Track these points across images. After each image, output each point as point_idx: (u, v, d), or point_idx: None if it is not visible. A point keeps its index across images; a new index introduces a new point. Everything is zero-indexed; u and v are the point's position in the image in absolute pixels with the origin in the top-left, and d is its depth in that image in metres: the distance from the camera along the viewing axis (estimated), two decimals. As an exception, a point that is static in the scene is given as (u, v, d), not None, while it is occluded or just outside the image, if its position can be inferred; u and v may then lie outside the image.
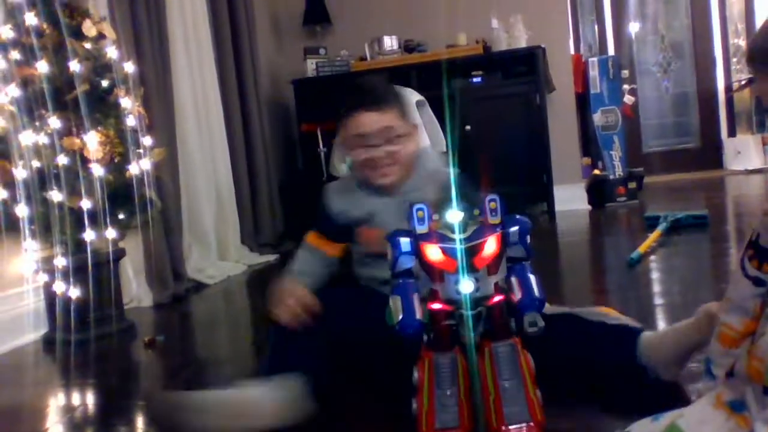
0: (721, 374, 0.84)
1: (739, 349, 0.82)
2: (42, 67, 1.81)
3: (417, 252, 0.96)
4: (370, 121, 1.25)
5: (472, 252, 0.92)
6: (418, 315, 0.92)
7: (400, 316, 0.91)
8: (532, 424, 0.89)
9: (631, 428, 0.80)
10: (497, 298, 0.95)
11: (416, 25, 4.00)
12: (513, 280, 0.95)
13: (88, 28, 1.90)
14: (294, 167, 4.12)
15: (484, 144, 3.51)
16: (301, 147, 3.97)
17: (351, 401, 1.26)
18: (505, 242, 0.96)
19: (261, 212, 3.52)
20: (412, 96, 3.35)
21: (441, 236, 0.94)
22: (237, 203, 3.32)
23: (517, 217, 0.97)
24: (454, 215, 0.94)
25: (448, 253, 0.92)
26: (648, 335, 1.16)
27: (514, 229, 0.96)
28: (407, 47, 3.95)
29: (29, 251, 1.90)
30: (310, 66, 3.98)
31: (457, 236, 0.93)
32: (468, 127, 3.65)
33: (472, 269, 0.92)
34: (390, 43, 3.91)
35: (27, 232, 1.82)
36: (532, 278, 0.95)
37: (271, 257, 3.30)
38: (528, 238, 0.97)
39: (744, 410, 0.74)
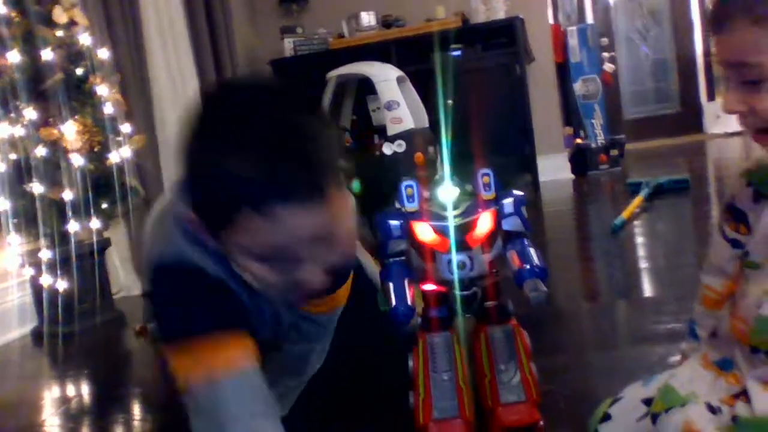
0: (705, 335, 0.85)
1: (722, 310, 0.83)
2: (13, 56, 1.77)
3: (407, 232, 0.91)
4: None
5: (465, 229, 0.88)
6: (410, 301, 0.89)
7: (393, 303, 0.88)
8: (527, 402, 0.90)
9: (623, 393, 0.81)
10: (492, 278, 0.93)
11: (394, 0, 3.96)
12: (511, 253, 0.92)
13: (59, 15, 1.86)
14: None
15: (467, 117, 3.51)
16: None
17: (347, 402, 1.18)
18: (499, 218, 0.92)
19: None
20: (393, 72, 3.33)
21: (432, 214, 0.89)
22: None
23: (512, 191, 0.93)
24: (446, 191, 0.89)
25: (440, 231, 0.88)
26: None
27: (509, 200, 0.92)
28: (385, 23, 3.91)
29: (13, 245, 1.88)
30: (288, 46, 3.93)
31: (450, 213, 0.88)
32: (450, 101, 3.64)
33: (465, 247, 0.88)
34: (368, 18, 3.87)
35: (9, 226, 1.80)
36: (531, 250, 0.92)
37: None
38: (524, 210, 0.94)
39: (732, 368, 0.75)
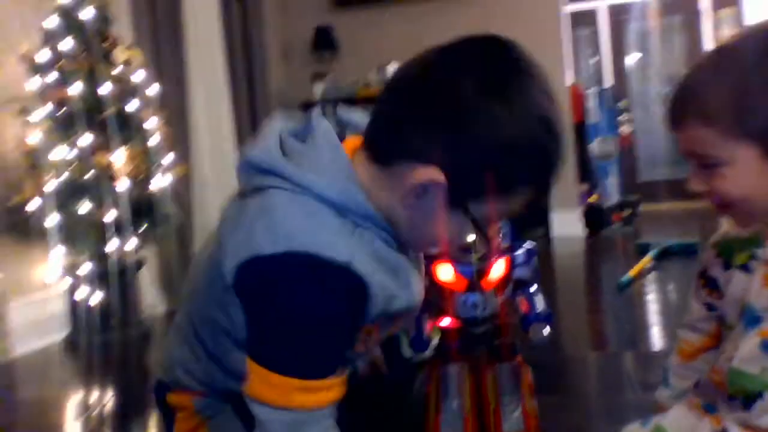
0: (679, 383, 0.96)
1: (696, 361, 0.94)
2: (75, 88, 1.95)
3: (428, 271, 0.98)
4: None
5: (481, 273, 0.98)
6: (426, 334, 1.01)
7: (412, 334, 1.00)
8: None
9: None
10: (501, 319, 1.02)
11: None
12: (519, 299, 1.03)
13: (118, 55, 2.05)
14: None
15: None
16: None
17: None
18: (512, 265, 1.01)
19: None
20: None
21: (452, 257, 0.97)
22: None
23: (525, 242, 1.04)
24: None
25: (460, 272, 0.97)
26: None
27: (521, 251, 1.02)
28: (412, 75, 4.10)
29: (55, 258, 2.03)
30: (318, 90, 4.14)
31: (467, 258, 0.97)
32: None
33: (480, 289, 0.98)
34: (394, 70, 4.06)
35: (54, 240, 1.94)
36: (538, 298, 1.02)
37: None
38: (535, 261, 1.03)
39: (715, 411, 0.85)
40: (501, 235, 1.00)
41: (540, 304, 1.02)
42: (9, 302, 2.14)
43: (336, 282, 0.66)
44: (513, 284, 1.03)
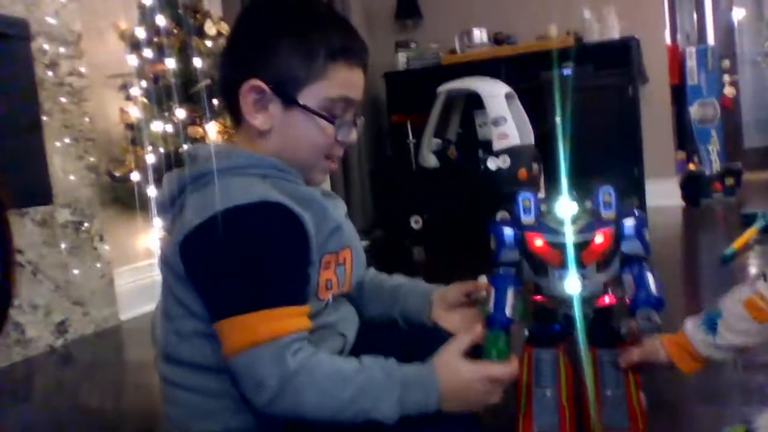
0: (730, 338, 0.86)
1: (764, 324, 0.84)
2: (170, 63, 2.02)
3: (521, 243, 0.89)
4: (362, 85, 0.87)
5: (581, 247, 0.85)
6: (509, 312, 0.89)
7: (491, 310, 0.89)
8: (630, 431, 0.88)
9: (758, 425, 0.84)
10: (605, 299, 0.90)
11: (506, 17, 4.03)
12: (627, 277, 0.90)
13: (209, 28, 2.10)
14: (383, 156, 4.26)
15: (575, 136, 3.52)
16: (391, 137, 4.11)
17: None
18: (618, 238, 0.88)
19: (353, 199, 3.69)
20: (502, 88, 3.41)
21: (548, 228, 0.87)
22: (331, 188, 3.50)
23: (634, 211, 0.91)
24: (565, 207, 0.87)
25: (555, 246, 0.86)
26: None
27: (630, 221, 0.89)
28: (497, 39, 3.99)
29: (157, 228, 2.14)
30: (401, 59, 4.10)
31: (567, 228, 0.85)
32: (558, 120, 3.66)
33: (580, 265, 0.85)
34: (479, 35, 3.96)
35: (155, 210, 2.04)
36: (650, 276, 0.89)
37: (363, 243, 3.46)
38: (646, 233, 0.90)
39: None
40: (605, 204, 0.87)
41: (651, 284, 0.88)
42: (116, 269, 2.29)
43: (272, 215, 0.75)
44: (620, 260, 0.90)
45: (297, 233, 0.77)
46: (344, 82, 0.84)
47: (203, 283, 0.77)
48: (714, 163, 4.18)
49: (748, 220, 2.85)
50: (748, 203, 3.64)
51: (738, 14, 5.43)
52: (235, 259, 0.74)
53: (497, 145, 3.26)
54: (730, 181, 4.07)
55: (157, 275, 0.86)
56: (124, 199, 2.28)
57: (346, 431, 0.74)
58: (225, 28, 2.20)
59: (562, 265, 0.85)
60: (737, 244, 2.41)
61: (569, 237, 0.85)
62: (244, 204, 0.74)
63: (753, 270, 2.25)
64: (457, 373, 0.77)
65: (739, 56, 5.43)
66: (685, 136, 4.32)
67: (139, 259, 2.40)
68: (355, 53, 0.85)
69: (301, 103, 0.82)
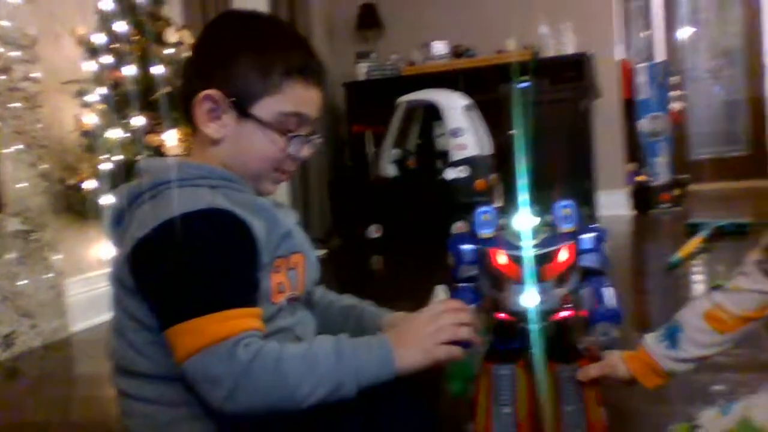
0: (692, 351, 0.88)
1: (725, 335, 0.87)
2: (129, 70, 2.00)
3: (480, 258, 0.89)
4: (317, 104, 0.89)
5: (541, 261, 0.84)
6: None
7: None
8: None
9: (702, 421, 0.85)
10: (564, 314, 0.89)
11: (466, 31, 4.11)
12: (586, 292, 0.90)
13: (170, 35, 2.09)
14: (343, 166, 4.28)
15: (530, 148, 3.61)
16: (351, 147, 4.13)
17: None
18: (578, 252, 0.87)
19: (312, 208, 3.69)
20: (460, 100, 3.47)
21: (507, 242, 0.86)
22: (288, 199, 3.50)
23: (594, 225, 0.90)
24: (524, 221, 0.87)
25: (515, 260, 0.85)
26: None
27: (589, 235, 0.88)
28: (456, 52, 4.07)
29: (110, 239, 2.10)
30: (362, 70, 4.13)
31: (526, 243, 0.85)
32: (513, 132, 3.75)
33: (538, 280, 0.84)
34: (439, 47, 4.03)
35: (107, 227, 2.01)
36: (608, 291, 0.89)
37: (320, 252, 3.47)
38: (605, 247, 0.89)
39: None
40: (564, 217, 0.87)
41: (610, 298, 0.88)
42: (67, 280, 2.24)
43: (217, 221, 0.77)
44: (579, 274, 0.90)
45: (243, 238, 0.78)
46: (299, 99, 0.86)
47: (152, 292, 0.78)
48: (662, 175, 4.34)
49: (693, 229, 2.97)
50: (694, 213, 3.79)
51: (685, 32, 5.67)
52: (181, 265, 0.75)
53: (455, 156, 3.32)
54: (677, 191, 4.24)
55: (107, 286, 0.85)
56: (77, 207, 2.23)
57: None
58: (186, 35, 2.19)
59: (522, 280, 0.85)
60: (683, 252, 2.51)
61: (529, 251, 0.84)
62: (191, 211, 0.76)
63: (699, 277, 2.36)
64: (402, 321, 0.84)
65: (686, 72, 5.66)
66: (635, 149, 4.47)
67: (92, 268, 2.35)
68: (312, 72, 0.87)
69: (254, 115, 0.84)
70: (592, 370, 0.91)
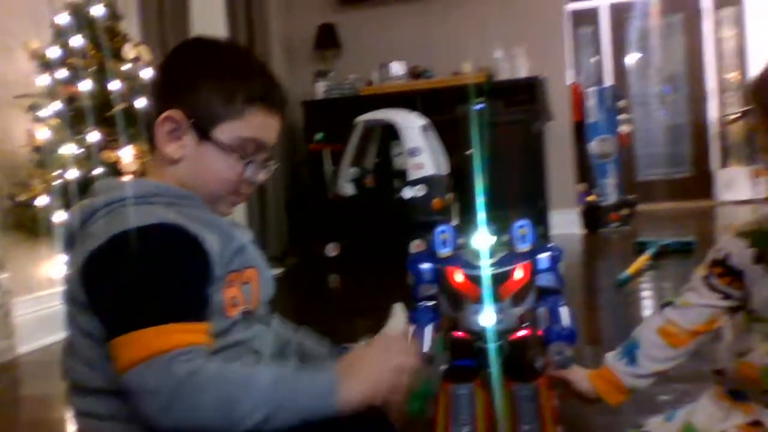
0: (649, 366, 0.93)
1: (678, 349, 0.92)
2: (85, 85, 1.97)
3: (439, 277, 0.90)
4: (276, 131, 0.91)
5: (498, 280, 0.86)
6: (426, 348, 0.90)
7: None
8: None
9: (648, 427, 0.89)
10: (520, 333, 0.91)
11: (423, 53, 4.19)
12: (542, 311, 0.91)
13: (127, 51, 2.07)
14: (300, 185, 4.28)
15: (484, 168, 3.69)
16: (309, 166, 4.13)
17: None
18: (534, 271, 0.89)
19: (268, 227, 3.67)
20: (417, 120, 3.53)
21: (465, 262, 0.88)
22: (246, 217, 3.47)
23: (549, 245, 0.93)
24: (482, 240, 0.88)
25: (472, 279, 0.86)
26: None
27: (545, 255, 0.90)
28: (413, 73, 4.14)
29: (62, 255, 2.05)
30: (320, 89, 4.16)
31: (484, 262, 0.86)
32: (469, 152, 3.83)
33: (496, 299, 0.86)
34: (397, 68, 4.10)
35: (61, 237, 1.96)
36: (563, 310, 0.91)
37: (276, 270, 3.44)
38: (560, 267, 0.91)
39: (745, 399, 0.86)
40: (521, 237, 0.90)
41: (565, 317, 0.90)
42: (15, 299, 2.17)
43: (167, 235, 0.78)
44: (535, 293, 0.92)
45: (193, 253, 0.79)
46: (259, 125, 0.88)
47: (100, 304, 0.78)
48: (611, 195, 4.49)
49: (641, 248, 3.08)
50: (642, 232, 3.93)
51: (632, 58, 5.92)
52: (129, 277, 0.75)
53: (413, 175, 3.37)
54: (625, 211, 4.39)
55: (60, 305, 0.85)
56: (27, 224, 2.16)
57: None
58: (144, 51, 2.17)
59: (479, 299, 0.86)
60: (631, 269, 2.61)
61: (486, 270, 0.86)
62: (142, 226, 0.77)
63: (647, 293, 2.45)
64: (350, 353, 0.82)
65: (633, 97, 5.89)
66: (585, 170, 4.62)
67: (41, 287, 2.28)
68: (273, 101, 0.89)
69: (214, 138, 0.86)
70: (558, 374, 0.94)
